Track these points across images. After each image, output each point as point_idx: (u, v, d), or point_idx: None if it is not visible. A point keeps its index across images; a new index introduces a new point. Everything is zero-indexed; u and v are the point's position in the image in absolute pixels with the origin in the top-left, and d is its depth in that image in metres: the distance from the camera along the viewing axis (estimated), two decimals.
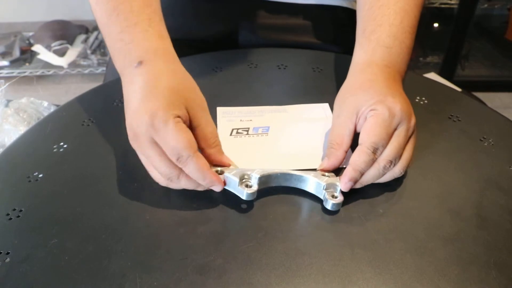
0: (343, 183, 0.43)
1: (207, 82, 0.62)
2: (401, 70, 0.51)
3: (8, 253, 0.39)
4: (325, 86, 0.61)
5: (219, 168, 0.43)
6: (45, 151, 0.50)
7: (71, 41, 1.89)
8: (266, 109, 0.57)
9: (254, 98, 0.59)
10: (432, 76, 1.30)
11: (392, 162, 0.43)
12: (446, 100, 0.60)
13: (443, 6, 1.83)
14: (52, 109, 0.91)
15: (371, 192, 0.45)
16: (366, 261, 0.39)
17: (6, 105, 0.89)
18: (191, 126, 0.43)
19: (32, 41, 1.90)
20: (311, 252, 0.39)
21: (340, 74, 0.61)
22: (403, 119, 0.44)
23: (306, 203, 0.44)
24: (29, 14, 1.94)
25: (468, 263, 0.39)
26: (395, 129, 0.44)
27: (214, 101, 0.56)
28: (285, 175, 0.45)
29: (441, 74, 1.71)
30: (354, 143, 0.45)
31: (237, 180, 0.43)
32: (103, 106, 0.57)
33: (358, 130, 0.45)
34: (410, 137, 0.45)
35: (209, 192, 0.44)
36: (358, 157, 0.43)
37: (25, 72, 1.84)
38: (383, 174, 0.44)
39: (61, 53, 1.84)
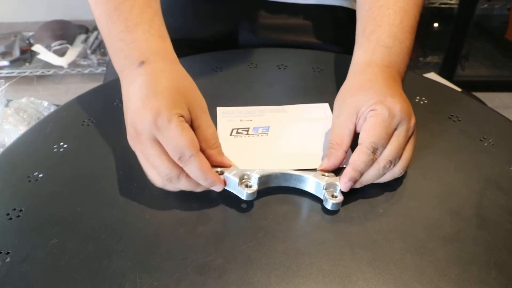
0: (342, 183, 0.43)
1: (207, 82, 0.62)
2: (401, 70, 0.51)
3: (8, 253, 0.39)
4: (325, 86, 0.61)
5: (219, 169, 0.44)
6: (45, 151, 0.50)
7: (71, 41, 1.88)
8: (266, 109, 0.57)
9: (254, 98, 0.59)
10: (432, 76, 1.30)
11: (392, 162, 0.43)
12: (446, 100, 0.60)
13: (443, 6, 1.83)
14: (52, 109, 0.91)
15: (371, 192, 0.45)
16: (366, 261, 0.39)
17: (6, 105, 0.89)
18: (192, 127, 0.43)
19: (32, 41, 1.89)
20: (311, 252, 0.39)
21: (340, 74, 0.61)
22: (403, 119, 0.44)
23: (306, 203, 0.44)
24: (29, 14, 1.94)
25: (468, 263, 0.39)
26: (395, 129, 0.44)
27: (214, 101, 0.56)
28: (285, 175, 0.45)
29: (441, 74, 1.71)
30: (354, 143, 0.45)
31: (237, 180, 0.43)
32: (103, 106, 0.57)
33: (358, 130, 0.45)
34: (410, 137, 0.45)
35: (209, 192, 0.44)
36: (358, 157, 0.43)
37: (25, 72, 1.84)
38: (383, 174, 0.44)
39: (61, 53, 1.84)
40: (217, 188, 0.43)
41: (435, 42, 1.97)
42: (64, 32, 1.88)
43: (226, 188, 0.43)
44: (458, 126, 0.55)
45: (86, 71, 1.89)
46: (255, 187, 0.43)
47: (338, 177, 0.44)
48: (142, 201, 0.43)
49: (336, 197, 0.43)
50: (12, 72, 1.84)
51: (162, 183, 0.42)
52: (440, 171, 0.48)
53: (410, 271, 0.38)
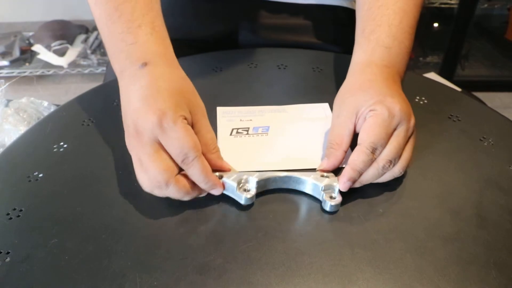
0: (341, 183, 0.43)
1: (207, 82, 0.62)
2: (400, 70, 0.51)
3: (8, 253, 0.39)
4: (325, 86, 0.61)
5: (217, 173, 0.44)
6: (45, 151, 0.50)
7: (71, 41, 1.89)
8: (266, 109, 0.57)
9: (254, 98, 0.59)
10: (432, 76, 1.30)
11: (392, 162, 0.43)
12: (446, 100, 0.60)
13: (443, 6, 1.83)
14: (52, 109, 0.91)
15: (371, 191, 0.45)
16: (366, 261, 0.39)
17: (6, 105, 0.88)
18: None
19: (32, 41, 1.90)
20: (311, 251, 0.40)
21: (340, 74, 0.61)
22: (403, 119, 0.44)
23: (306, 202, 0.45)
24: (29, 14, 1.94)
25: (468, 263, 0.39)
26: (394, 129, 0.44)
27: (214, 101, 0.57)
28: (283, 178, 0.45)
29: (441, 74, 1.71)
30: (353, 143, 0.45)
31: (235, 185, 0.43)
32: (103, 106, 0.57)
33: (357, 130, 0.45)
34: (409, 137, 0.45)
35: (208, 193, 0.44)
36: (357, 157, 0.43)
37: (25, 72, 1.84)
38: (383, 174, 0.44)
39: (61, 53, 1.84)
40: (216, 192, 0.43)
41: (435, 42, 1.97)
42: (64, 32, 1.88)
43: (224, 192, 0.44)
44: (458, 126, 0.55)
45: (86, 71, 1.89)
46: (253, 191, 0.43)
47: (336, 177, 0.44)
48: (142, 201, 0.43)
49: (334, 198, 0.43)
50: (12, 72, 1.84)
51: (150, 188, 0.41)
52: (440, 171, 0.48)
53: (410, 271, 0.38)
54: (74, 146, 0.51)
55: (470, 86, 1.71)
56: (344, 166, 0.45)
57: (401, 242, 0.41)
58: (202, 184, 0.42)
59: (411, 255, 0.39)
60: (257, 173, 0.44)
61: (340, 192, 0.44)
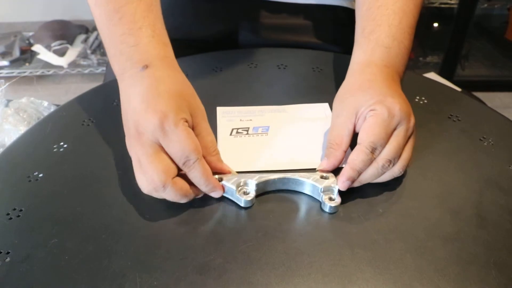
0: (340, 182, 0.43)
1: (207, 82, 0.62)
2: (399, 70, 0.51)
3: (8, 253, 0.39)
4: (325, 86, 0.61)
5: (217, 176, 0.44)
6: (45, 151, 0.50)
7: (71, 41, 1.89)
8: (266, 109, 0.57)
9: (254, 98, 0.59)
10: (432, 76, 1.30)
11: (391, 162, 0.43)
12: (446, 100, 0.60)
13: (443, 6, 1.83)
14: (52, 109, 0.91)
15: (371, 191, 0.45)
16: (365, 261, 0.39)
17: (6, 105, 0.88)
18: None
19: (32, 41, 1.90)
20: (310, 251, 0.40)
21: (340, 74, 0.61)
22: (403, 119, 0.44)
23: (306, 202, 0.45)
24: (29, 14, 1.94)
25: (468, 263, 0.39)
26: (394, 129, 0.44)
27: (214, 101, 0.57)
28: (282, 180, 0.45)
29: (441, 74, 1.71)
30: (353, 143, 0.45)
31: (234, 188, 0.43)
32: (103, 106, 0.57)
33: (357, 130, 0.45)
34: (409, 137, 0.45)
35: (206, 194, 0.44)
36: (356, 157, 0.43)
37: (25, 72, 1.84)
38: (382, 173, 0.44)
39: (61, 53, 1.84)
40: (216, 194, 0.43)
41: (435, 42, 1.97)
42: (64, 32, 1.88)
43: (224, 195, 0.44)
44: (458, 126, 0.55)
45: (86, 71, 1.89)
46: (252, 194, 0.43)
47: (335, 178, 0.44)
48: (142, 201, 0.43)
49: (333, 199, 0.43)
50: (12, 72, 1.84)
51: (148, 190, 0.41)
52: (440, 171, 0.48)
53: (410, 271, 0.38)
54: (74, 146, 0.51)
55: (470, 86, 1.71)
56: (343, 165, 0.45)
57: (401, 242, 0.41)
58: (202, 187, 0.42)
59: (411, 255, 0.39)
60: (257, 175, 0.44)
61: (340, 193, 0.44)
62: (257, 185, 0.43)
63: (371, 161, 0.43)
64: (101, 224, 0.42)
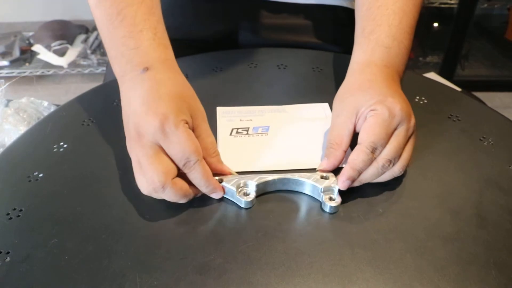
0: (340, 182, 0.43)
1: (207, 82, 0.62)
2: (399, 70, 0.51)
3: (8, 253, 0.39)
4: (325, 86, 0.61)
5: (217, 177, 0.44)
6: (45, 151, 0.50)
7: (71, 41, 1.89)
8: (266, 108, 0.57)
9: (254, 98, 0.59)
10: (432, 76, 1.30)
11: (391, 162, 0.43)
12: (446, 100, 0.60)
13: (443, 6, 1.83)
14: (52, 109, 0.91)
15: (371, 191, 0.45)
16: (365, 260, 0.39)
17: (6, 105, 0.88)
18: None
19: (32, 41, 1.90)
20: (311, 251, 0.40)
21: (340, 74, 0.61)
22: (403, 119, 0.44)
23: (306, 202, 0.45)
24: (29, 14, 1.94)
25: (468, 263, 0.39)
26: (394, 129, 0.44)
27: (214, 101, 0.57)
28: (282, 180, 0.45)
29: (441, 74, 1.71)
30: (353, 143, 0.45)
31: (234, 189, 0.43)
32: (103, 106, 0.57)
33: (357, 130, 0.46)
34: (409, 137, 0.45)
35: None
36: (357, 156, 0.43)
37: (25, 72, 1.84)
38: (382, 173, 0.44)
39: (61, 53, 1.84)
40: (217, 196, 0.44)
41: (435, 42, 1.98)
42: (64, 32, 1.88)
43: (224, 196, 0.44)
44: (458, 126, 0.55)
45: (86, 71, 1.89)
46: (252, 195, 0.43)
47: (336, 178, 0.44)
48: (142, 201, 0.43)
49: (333, 199, 0.43)
50: (12, 72, 1.84)
51: (148, 190, 0.41)
52: (440, 171, 0.48)
53: (410, 271, 0.38)
54: (74, 146, 0.51)
55: (470, 86, 1.71)
56: (344, 165, 0.45)
57: (401, 242, 0.41)
58: (203, 188, 0.42)
59: (411, 255, 0.39)
60: (257, 176, 0.44)
61: (340, 193, 0.44)
62: (257, 186, 0.43)
63: (371, 161, 0.43)
64: (101, 224, 0.42)
